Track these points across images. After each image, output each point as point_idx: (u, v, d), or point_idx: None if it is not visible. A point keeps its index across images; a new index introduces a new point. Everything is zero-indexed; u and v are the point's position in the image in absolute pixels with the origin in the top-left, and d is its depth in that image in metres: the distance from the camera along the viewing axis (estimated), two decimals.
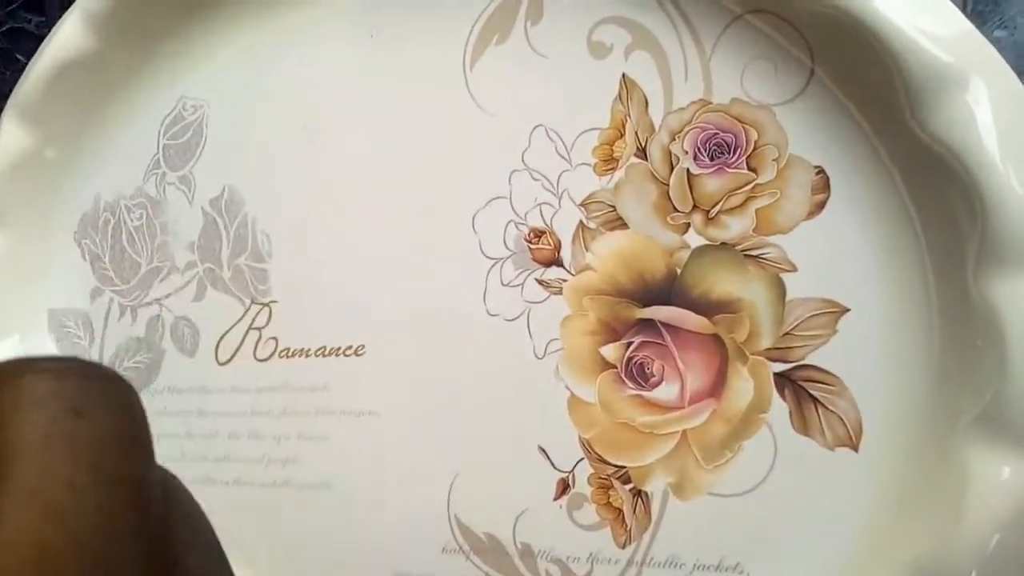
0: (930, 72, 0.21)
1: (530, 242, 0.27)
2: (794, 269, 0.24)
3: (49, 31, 0.47)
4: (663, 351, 0.26)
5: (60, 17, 0.46)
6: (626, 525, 0.27)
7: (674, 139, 0.25)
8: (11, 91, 0.47)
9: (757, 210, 0.25)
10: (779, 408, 0.25)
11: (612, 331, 0.26)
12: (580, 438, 0.27)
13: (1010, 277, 0.20)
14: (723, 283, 0.25)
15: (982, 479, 0.21)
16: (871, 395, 0.24)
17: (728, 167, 0.25)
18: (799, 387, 0.25)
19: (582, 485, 0.27)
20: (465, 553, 0.28)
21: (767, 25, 0.24)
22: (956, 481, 0.22)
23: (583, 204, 0.26)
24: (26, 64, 0.47)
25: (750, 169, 0.25)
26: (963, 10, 0.42)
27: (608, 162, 0.26)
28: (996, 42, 0.42)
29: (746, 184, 0.25)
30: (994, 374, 0.21)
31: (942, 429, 0.23)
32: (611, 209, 0.26)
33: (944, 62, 0.21)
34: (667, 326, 0.26)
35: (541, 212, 0.27)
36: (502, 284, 0.27)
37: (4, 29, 0.46)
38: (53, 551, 0.11)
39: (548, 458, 0.27)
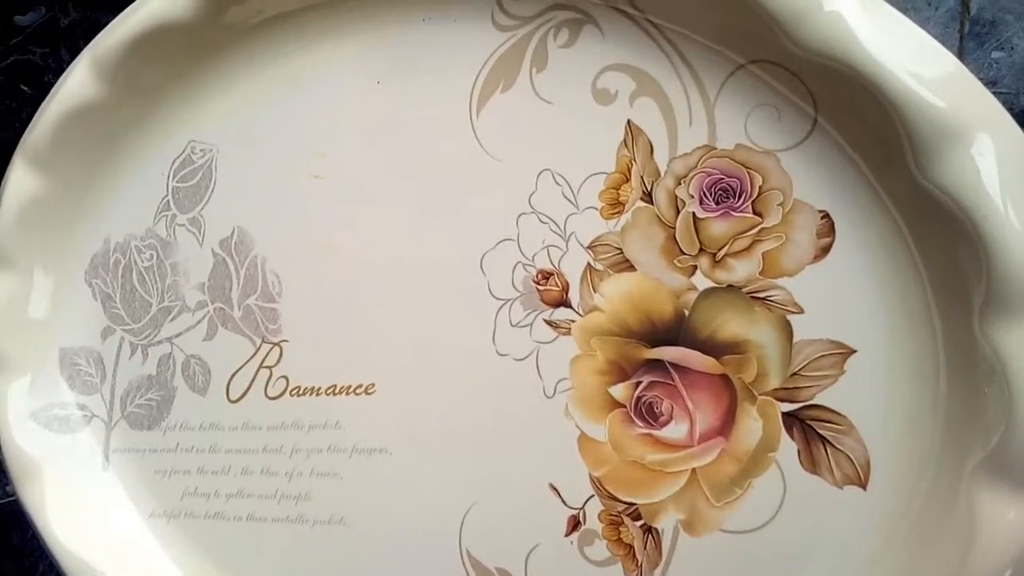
0: (933, 124, 0.21)
1: (538, 283, 0.27)
2: (801, 311, 0.25)
3: (54, 63, 0.47)
4: (672, 391, 0.26)
5: (65, 49, 0.47)
6: (637, 561, 0.27)
7: (679, 184, 0.26)
8: (17, 123, 0.47)
9: (763, 253, 0.25)
10: (788, 447, 0.25)
11: (621, 371, 0.27)
12: (590, 476, 0.27)
13: (1015, 326, 0.21)
14: (730, 324, 0.25)
15: (990, 520, 0.22)
16: (879, 435, 0.24)
17: (734, 211, 0.25)
18: (807, 426, 0.25)
19: (593, 521, 0.27)
20: None
21: (769, 74, 0.24)
22: (964, 522, 0.22)
23: (590, 247, 0.27)
24: (31, 96, 0.47)
25: (755, 213, 0.25)
26: (960, 32, 0.42)
27: (614, 206, 0.26)
28: (994, 63, 0.42)
29: (752, 228, 0.25)
30: (1000, 418, 0.21)
31: (949, 470, 0.23)
32: (618, 252, 0.26)
33: (947, 114, 0.21)
34: (675, 366, 0.26)
35: (549, 254, 0.27)
36: (511, 324, 0.28)
37: (9, 61, 0.47)
38: None
39: (559, 495, 0.27)
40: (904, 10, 0.39)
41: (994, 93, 0.38)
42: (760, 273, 0.25)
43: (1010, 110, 0.35)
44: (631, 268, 0.26)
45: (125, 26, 0.29)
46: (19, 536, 0.44)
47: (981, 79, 0.39)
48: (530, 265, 0.27)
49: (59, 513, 0.32)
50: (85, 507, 0.33)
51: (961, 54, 0.40)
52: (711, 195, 0.25)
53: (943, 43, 0.38)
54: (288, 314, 0.31)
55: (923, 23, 0.40)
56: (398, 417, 0.29)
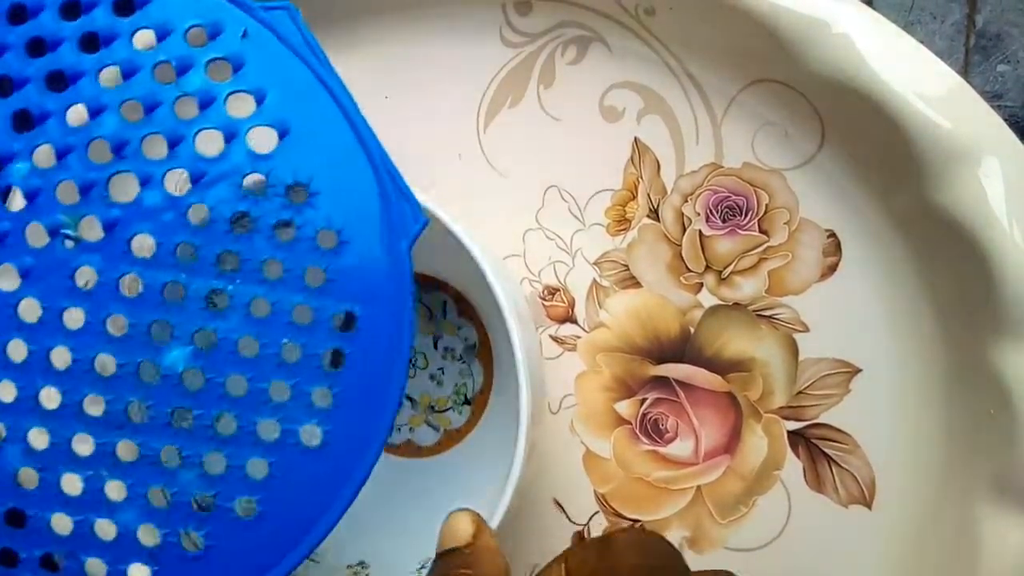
0: (939, 145, 0.21)
1: (544, 299, 0.27)
2: (806, 329, 0.25)
3: None
4: (677, 408, 0.26)
5: None
6: None
7: (686, 201, 0.26)
8: None
9: (769, 271, 0.25)
10: (793, 465, 0.25)
11: (626, 387, 0.27)
12: (595, 492, 0.27)
13: (1021, 346, 0.21)
14: (736, 342, 0.25)
15: (994, 543, 0.22)
16: (884, 454, 0.24)
17: (740, 229, 0.25)
18: (813, 445, 0.25)
19: None
20: None
21: (776, 94, 0.24)
22: (969, 543, 0.22)
23: (596, 263, 0.27)
24: None
25: (762, 231, 0.25)
26: (966, 45, 0.42)
27: (621, 223, 0.26)
28: (999, 76, 0.42)
29: (758, 246, 0.25)
30: (1006, 440, 0.21)
31: (955, 491, 0.23)
32: (624, 268, 0.26)
33: (953, 135, 0.21)
34: (681, 383, 0.26)
35: (555, 270, 0.27)
36: None
37: None
38: None
39: (564, 511, 0.27)
40: (910, 23, 0.39)
41: (999, 107, 0.38)
42: (766, 291, 0.25)
43: (1015, 124, 0.35)
44: (637, 285, 0.26)
45: None
46: None
47: (986, 93, 0.39)
48: (536, 281, 0.27)
49: None
50: None
51: (966, 67, 0.40)
52: (718, 213, 0.25)
53: (949, 57, 0.38)
54: None
55: (929, 36, 0.40)
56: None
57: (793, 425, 0.25)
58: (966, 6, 0.40)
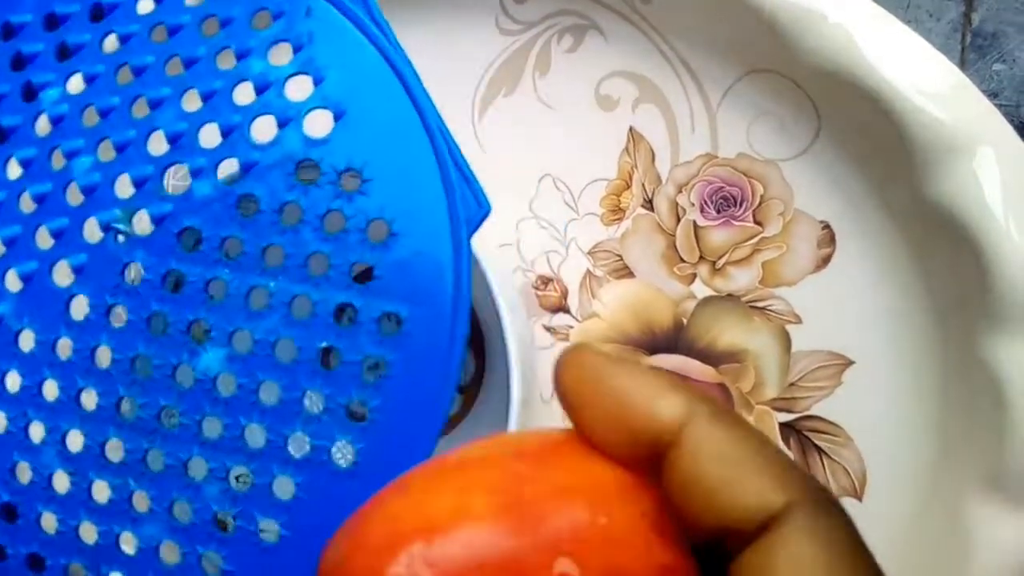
0: (935, 136, 0.21)
1: (537, 289, 0.27)
2: (799, 321, 0.25)
3: None
4: None
5: None
6: None
7: (680, 191, 0.26)
8: None
9: (763, 263, 0.25)
10: None
11: None
12: None
13: (1015, 341, 0.21)
14: (729, 334, 0.25)
15: (986, 538, 0.22)
16: (875, 447, 0.24)
17: (734, 220, 0.25)
18: (804, 437, 0.25)
19: None
20: None
21: (773, 84, 0.24)
22: (960, 537, 0.22)
23: (590, 253, 0.27)
24: None
25: (756, 222, 0.25)
26: (962, 44, 0.42)
27: (615, 212, 0.26)
28: (995, 75, 0.42)
29: (752, 237, 0.25)
30: (998, 434, 0.21)
31: (947, 486, 0.23)
32: (618, 258, 0.26)
33: (949, 127, 0.21)
34: (674, 375, 0.26)
35: (548, 260, 0.27)
36: None
37: None
38: None
39: None
40: (906, 22, 0.39)
41: (995, 105, 0.38)
42: (760, 282, 0.25)
43: (1011, 122, 0.35)
44: (631, 275, 0.26)
45: None
46: None
47: (982, 91, 0.39)
48: (529, 270, 0.27)
49: None
50: None
51: (963, 66, 0.40)
52: (712, 203, 0.25)
53: (945, 55, 0.38)
54: None
55: (925, 35, 0.40)
56: None
57: (785, 417, 0.25)
58: (963, 4, 0.40)
